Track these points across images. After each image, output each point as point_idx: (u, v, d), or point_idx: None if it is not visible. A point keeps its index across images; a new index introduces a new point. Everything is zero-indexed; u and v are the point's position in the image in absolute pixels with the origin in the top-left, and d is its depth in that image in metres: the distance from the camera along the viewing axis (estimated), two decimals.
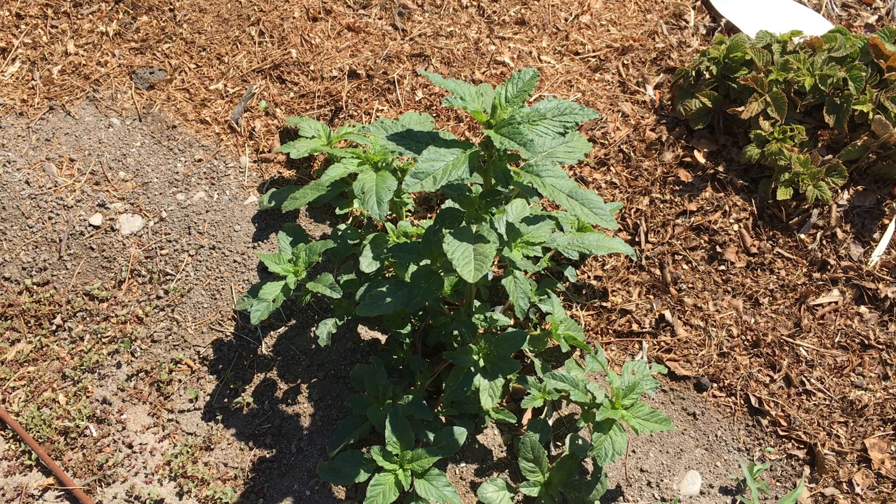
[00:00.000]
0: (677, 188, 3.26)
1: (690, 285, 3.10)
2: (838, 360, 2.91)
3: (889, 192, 3.13)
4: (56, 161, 3.36)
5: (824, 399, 2.87)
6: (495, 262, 3.16)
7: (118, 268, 3.18)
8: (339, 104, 3.47)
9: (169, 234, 3.23)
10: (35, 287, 3.14)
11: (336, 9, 3.73)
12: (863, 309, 2.98)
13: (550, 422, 2.90)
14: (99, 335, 3.08)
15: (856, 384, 2.87)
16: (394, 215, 3.17)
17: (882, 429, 2.80)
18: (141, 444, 2.90)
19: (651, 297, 3.12)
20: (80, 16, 3.73)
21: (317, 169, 3.40)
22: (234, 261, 3.19)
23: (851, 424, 2.82)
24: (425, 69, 3.55)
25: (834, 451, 2.79)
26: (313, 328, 3.09)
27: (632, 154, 3.35)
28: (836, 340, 2.95)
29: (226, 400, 2.99)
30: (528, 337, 2.79)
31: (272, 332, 3.10)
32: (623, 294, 3.15)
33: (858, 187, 3.14)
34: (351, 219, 3.24)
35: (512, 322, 2.90)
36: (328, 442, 2.83)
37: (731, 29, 3.75)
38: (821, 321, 2.98)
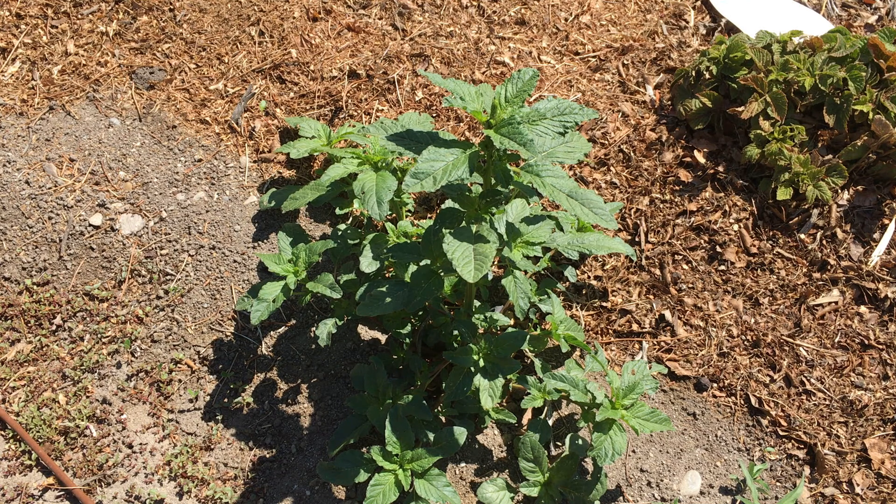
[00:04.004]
0: (677, 188, 3.26)
1: (690, 285, 3.10)
2: (838, 360, 2.91)
3: (889, 192, 3.13)
4: (56, 161, 3.36)
5: (824, 399, 2.87)
6: (495, 262, 3.16)
7: (118, 268, 3.18)
8: (339, 104, 3.48)
9: (169, 234, 3.23)
10: (35, 287, 3.14)
11: (336, 9, 3.73)
12: (863, 309, 2.98)
13: (550, 422, 2.90)
14: (99, 335, 3.08)
15: (856, 384, 2.87)
16: (394, 215, 3.17)
17: (882, 429, 2.80)
18: (141, 444, 2.90)
19: (651, 297, 3.12)
20: (80, 16, 3.73)
21: (317, 169, 3.40)
22: (234, 261, 3.19)
23: (851, 424, 2.82)
24: (425, 69, 3.55)
25: (834, 451, 2.79)
26: (313, 328, 3.09)
27: (632, 154, 3.35)
28: (836, 340, 2.95)
29: (226, 400, 2.99)
30: (528, 337, 2.79)
31: (272, 332, 3.10)
32: (623, 294, 3.15)
33: (858, 187, 3.14)
34: (351, 219, 3.24)
35: (512, 322, 2.90)
36: (328, 442, 2.84)
37: (731, 29, 3.75)
38: (821, 321, 2.98)
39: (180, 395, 3.00)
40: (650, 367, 2.84)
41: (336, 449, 2.71)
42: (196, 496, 2.79)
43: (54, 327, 3.10)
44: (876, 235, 3.06)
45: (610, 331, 3.10)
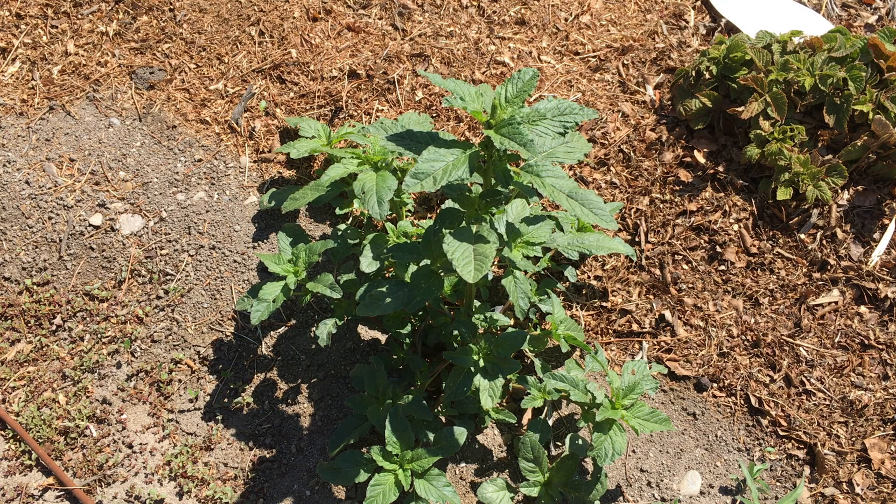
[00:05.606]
0: (677, 188, 3.26)
1: (690, 285, 3.10)
2: (838, 360, 2.91)
3: (889, 192, 3.13)
4: (56, 161, 3.36)
5: (824, 399, 2.87)
6: (495, 262, 3.16)
7: (118, 268, 3.18)
8: (339, 104, 3.48)
9: (169, 234, 3.23)
10: (35, 287, 3.14)
11: (336, 9, 3.73)
12: (863, 309, 2.98)
13: (550, 422, 2.90)
14: (99, 335, 3.08)
15: (856, 384, 2.87)
16: (394, 215, 3.17)
17: (882, 429, 2.80)
18: (141, 444, 2.90)
19: (651, 297, 3.12)
20: (80, 16, 3.73)
21: (317, 169, 3.40)
22: (234, 261, 3.19)
23: (851, 424, 2.82)
24: (425, 69, 3.55)
25: (834, 451, 2.79)
26: (313, 328, 3.09)
27: (632, 154, 3.35)
28: (836, 340, 2.95)
29: (226, 400, 2.99)
30: (528, 337, 2.79)
31: (272, 332, 3.10)
32: (623, 294, 3.15)
33: (858, 187, 3.14)
34: (351, 219, 3.24)
35: (512, 322, 2.90)
36: (328, 442, 2.84)
37: (731, 29, 3.75)
38: (821, 321, 2.98)
39: (180, 395, 3.00)
40: (650, 367, 2.84)
41: (336, 449, 2.71)
42: (196, 496, 2.79)
43: (54, 327, 3.10)
44: (876, 235, 3.06)
45: (610, 331, 3.10)
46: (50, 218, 3.23)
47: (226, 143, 3.46)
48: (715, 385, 2.95)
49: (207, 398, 2.99)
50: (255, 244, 3.23)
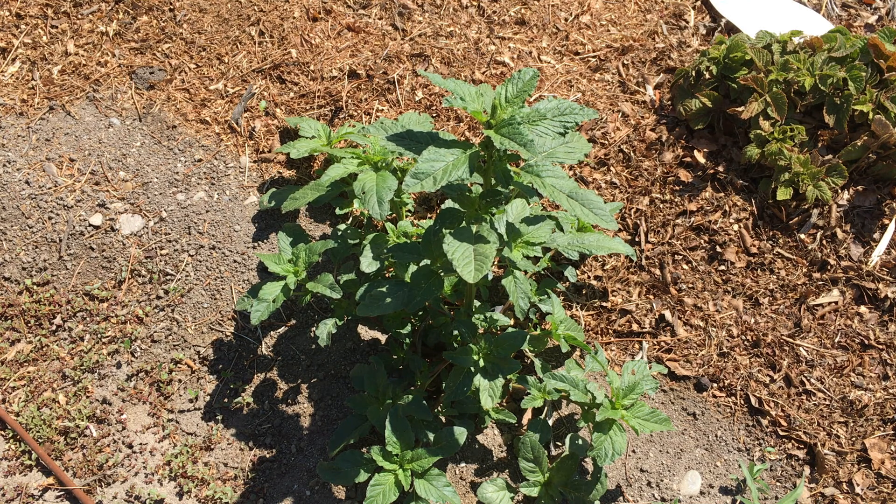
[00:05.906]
0: (677, 188, 3.26)
1: (690, 285, 3.10)
2: (838, 360, 2.91)
3: (889, 192, 3.13)
4: (56, 161, 3.36)
5: (824, 399, 2.87)
6: (495, 262, 3.16)
7: (118, 268, 3.18)
8: (339, 104, 3.48)
9: (169, 234, 3.23)
10: (35, 287, 3.14)
11: (336, 9, 3.73)
12: (863, 309, 2.98)
13: (550, 422, 2.90)
14: (99, 335, 3.08)
15: (856, 384, 2.87)
16: (394, 215, 3.17)
17: (882, 429, 2.80)
18: (141, 444, 2.90)
19: (651, 297, 3.12)
20: (80, 16, 3.73)
21: (317, 169, 3.40)
22: (234, 261, 3.19)
23: (851, 424, 2.82)
24: (425, 69, 3.55)
25: (834, 451, 2.79)
26: (313, 328, 3.10)
27: (632, 154, 3.35)
28: (836, 340, 2.95)
29: (226, 400, 2.99)
30: (528, 337, 2.79)
31: (272, 332, 3.10)
32: (623, 294, 3.15)
33: (858, 187, 3.14)
34: (351, 219, 3.24)
35: (512, 322, 2.90)
36: (328, 442, 2.84)
37: (731, 29, 3.75)
38: (821, 321, 2.98)
39: (180, 395, 3.00)
40: (650, 367, 2.84)
41: (336, 449, 2.71)
42: (196, 496, 2.79)
43: (54, 327, 3.10)
44: (876, 235, 3.06)
45: (610, 331, 3.10)
46: (50, 218, 3.23)
47: (226, 143, 3.46)
48: (715, 385, 2.95)
49: (207, 398, 2.99)
50: (255, 244, 3.23)
